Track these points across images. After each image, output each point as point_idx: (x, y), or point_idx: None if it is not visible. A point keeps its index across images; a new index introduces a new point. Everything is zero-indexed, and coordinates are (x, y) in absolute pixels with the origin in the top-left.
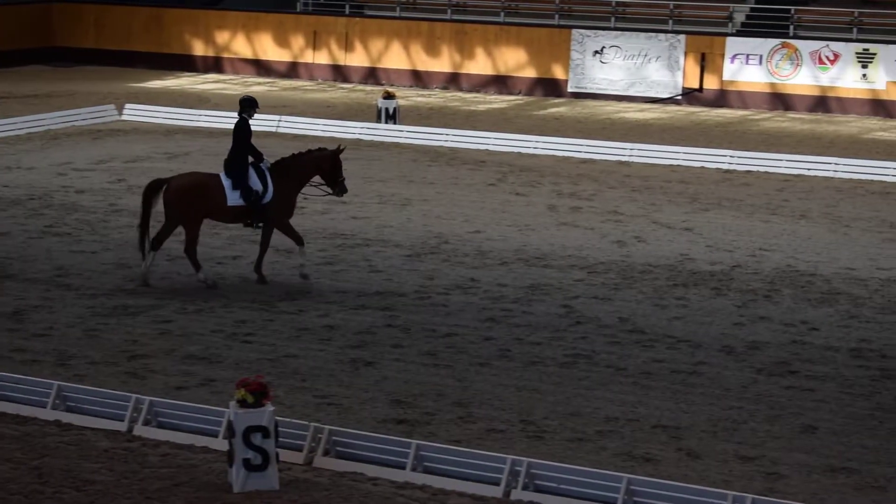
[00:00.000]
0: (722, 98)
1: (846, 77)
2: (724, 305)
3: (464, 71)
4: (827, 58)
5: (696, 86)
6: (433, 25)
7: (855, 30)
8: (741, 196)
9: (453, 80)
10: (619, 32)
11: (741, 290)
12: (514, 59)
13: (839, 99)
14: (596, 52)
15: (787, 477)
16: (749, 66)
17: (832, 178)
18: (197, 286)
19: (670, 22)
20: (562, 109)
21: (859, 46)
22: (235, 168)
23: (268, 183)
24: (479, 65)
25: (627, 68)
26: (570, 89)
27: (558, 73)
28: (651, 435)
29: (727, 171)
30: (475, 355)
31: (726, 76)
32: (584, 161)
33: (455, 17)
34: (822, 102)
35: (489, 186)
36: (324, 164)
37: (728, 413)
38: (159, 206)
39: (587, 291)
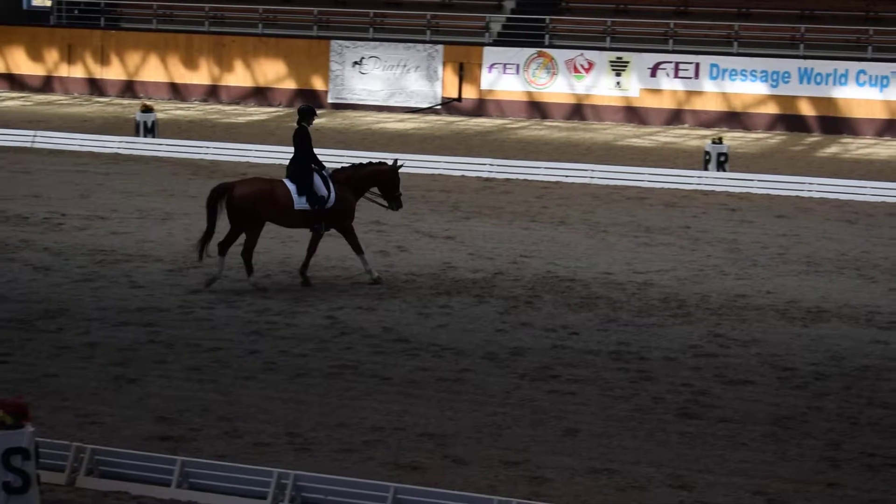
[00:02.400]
0: (480, 107)
1: (601, 85)
2: (486, 312)
3: (223, 83)
4: (582, 66)
5: (455, 95)
6: (191, 38)
7: (608, 38)
8: (501, 204)
9: (213, 93)
10: (378, 43)
11: (503, 296)
12: (273, 71)
13: (594, 106)
14: (355, 62)
15: (552, 480)
16: (506, 76)
17: (589, 184)
18: None
19: (428, 32)
20: (322, 121)
21: (613, 55)
22: (301, 174)
23: (330, 189)
24: (239, 77)
25: (387, 79)
26: (330, 100)
27: (318, 84)
28: (417, 443)
29: (487, 179)
30: (240, 369)
31: (484, 85)
32: None
33: (213, 29)
34: (577, 110)
35: None
36: (382, 177)
37: (492, 419)
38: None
39: (351, 302)
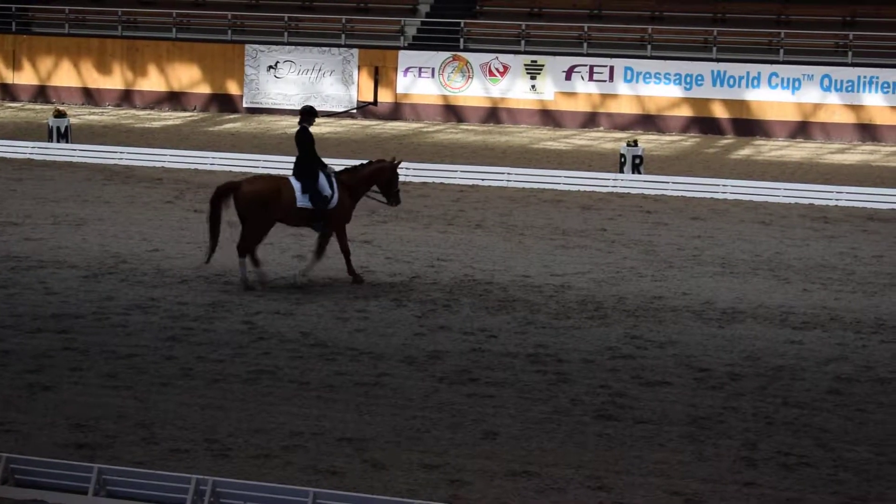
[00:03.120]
0: (396, 111)
1: (516, 88)
2: (404, 316)
3: (137, 88)
4: (497, 70)
5: (371, 99)
6: (104, 42)
7: (523, 42)
8: (418, 207)
9: (126, 98)
10: (293, 47)
11: (421, 300)
12: (187, 76)
13: (510, 110)
14: (270, 67)
15: (471, 483)
16: (422, 79)
17: (506, 187)
18: None
19: (343, 36)
20: (237, 125)
21: (528, 58)
22: (307, 173)
23: (334, 189)
24: (153, 81)
25: (302, 83)
26: (245, 105)
27: (233, 88)
28: (336, 448)
29: (404, 183)
30: (157, 375)
31: (400, 89)
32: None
33: (126, 33)
34: (493, 114)
35: (166, 204)
36: (382, 175)
37: (411, 423)
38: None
39: (268, 307)
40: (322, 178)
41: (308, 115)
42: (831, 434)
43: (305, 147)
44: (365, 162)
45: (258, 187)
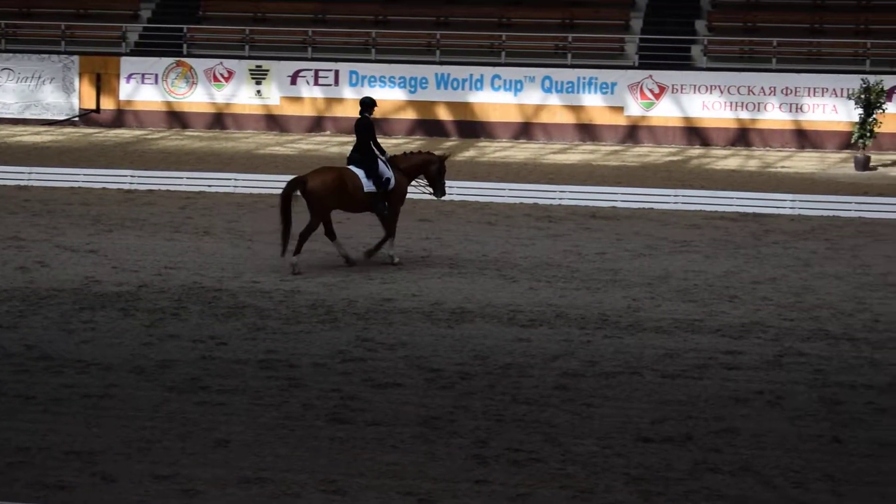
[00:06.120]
0: (119, 118)
1: (241, 94)
2: (132, 326)
3: None
4: (221, 75)
5: (93, 107)
6: None
7: (247, 47)
8: (144, 215)
9: None
10: (11, 55)
11: (149, 309)
12: None
13: (235, 115)
14: None
15: (203, 492)
16: (145, 86)
17: (233, 193)
18: None
19: (63, 43)
20: None
21: (252, 63)
22: (368, 160)
23: (391, 173)
24: None
25: (21, 91)
26: None
27: None
28: (64, 462)
29: (129, 191)
30: None
31: (123, 96)
32: None
33: None
34: (218, 119)
35: None
36: (431, 166)
37: (141, 433)
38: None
39: None
40: (381, 163)
41: (368, 106)
42: (559, 429)
43: (367, 135)
44: (415, 151)
45: (322, 180)
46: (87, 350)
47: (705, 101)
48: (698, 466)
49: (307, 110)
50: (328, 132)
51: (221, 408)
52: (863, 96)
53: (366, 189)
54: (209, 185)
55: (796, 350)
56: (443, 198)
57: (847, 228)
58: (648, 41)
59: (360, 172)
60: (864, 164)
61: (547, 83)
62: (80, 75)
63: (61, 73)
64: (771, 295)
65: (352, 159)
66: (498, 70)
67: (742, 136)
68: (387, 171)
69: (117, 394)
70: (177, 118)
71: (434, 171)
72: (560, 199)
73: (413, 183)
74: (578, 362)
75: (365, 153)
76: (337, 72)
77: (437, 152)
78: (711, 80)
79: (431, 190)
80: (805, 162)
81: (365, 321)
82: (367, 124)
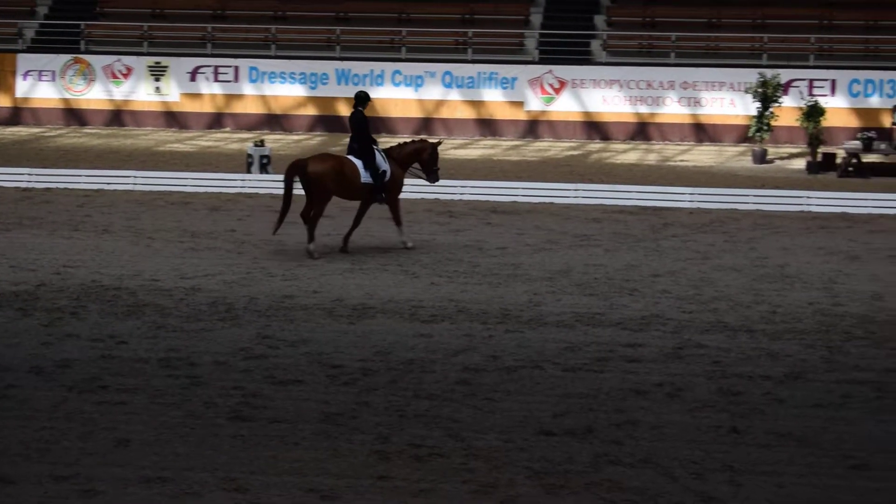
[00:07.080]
0: (16, 116)
1: (140, 91)
2: (30, 326)
3: None
4: (120, 72)
5: None
6: None
7: (146, 43)
8: (42, 214)
9: None
10: None
11: (47, 308)
12: None
13: (134, 112)
14: None
15: (104, 492)
16: (42, 83)
17: (132, 190)
18: None
19: None
20: None
21: (151, 60)
22: (365, 151)
23: (386, 163)
24: None
25: None
26: None
27: None
28: None
29: (26, 189)
30: None
31: (19, 93)
32: None
33: None
34: (117, 116)
35: None
36: (424, 154)
37: (40, 434)
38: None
39: None
40: (377, 155)
41: (363, 100)
42: (461, 424)
43: (362, 128)
44: (408, 140)
45: (326, 164)
46: None
47: (605, 95)
48: (599, 459)
49: (207, 107)
50: (228, 129)
51: (122, 407)
52: (760, 90)
53: (363, 180)
54: (108, 183)
55: (695, 342)
56: (436, 183)
57: (745, 221)
58: (548, 36)
59: (358, 163)
60: (761, 158)
61: (447, 78)
62: None
63: None
64: (670, 288)
65: (350, 150)
66: (398, 66)
67: (641, 131)
68: (383, 164)
69: (15, 395)
70: (75, 115)
71: (426, 158)
72: (461, 194)
73: (411, 170)
74: (480, 357)
75: (362, 146)
76: (237, 68)
77: (431, 140)
78: (611, 75)
79: (425, 176)
80: (703, 155)
81: (266, 318)
82: (361, 118)
